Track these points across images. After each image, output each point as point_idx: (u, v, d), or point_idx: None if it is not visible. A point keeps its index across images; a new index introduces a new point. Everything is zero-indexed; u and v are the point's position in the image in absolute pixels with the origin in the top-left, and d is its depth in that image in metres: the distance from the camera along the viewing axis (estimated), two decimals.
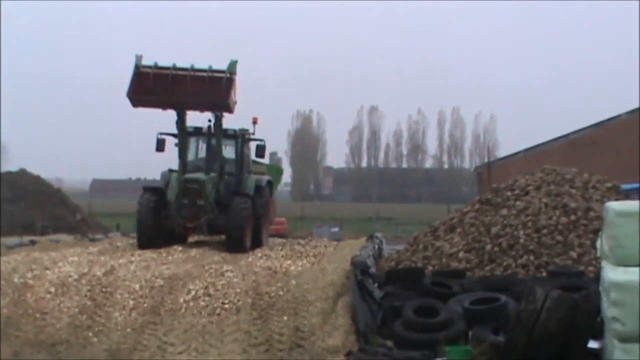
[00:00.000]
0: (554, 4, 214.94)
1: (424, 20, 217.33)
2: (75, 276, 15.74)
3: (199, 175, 21.40)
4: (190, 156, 22.51)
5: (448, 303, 12.52)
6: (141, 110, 20.63)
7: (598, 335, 10.01)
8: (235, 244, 20.76)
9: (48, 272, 16.06)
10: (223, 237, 21.83)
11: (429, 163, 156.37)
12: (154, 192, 21.63)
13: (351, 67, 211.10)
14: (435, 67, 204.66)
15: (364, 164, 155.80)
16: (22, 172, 46.69)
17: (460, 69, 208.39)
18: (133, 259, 17.58)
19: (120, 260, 17.19)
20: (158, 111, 20.57)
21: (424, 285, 13.37)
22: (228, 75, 19.90)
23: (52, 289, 15.18)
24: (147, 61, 19.93)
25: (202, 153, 23.04)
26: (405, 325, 11.84)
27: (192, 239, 22.89)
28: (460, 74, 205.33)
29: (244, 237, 21.02)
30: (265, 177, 24.26)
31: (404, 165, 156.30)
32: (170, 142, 22.14)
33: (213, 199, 21.41)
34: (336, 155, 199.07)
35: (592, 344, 10.08)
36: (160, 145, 22.56)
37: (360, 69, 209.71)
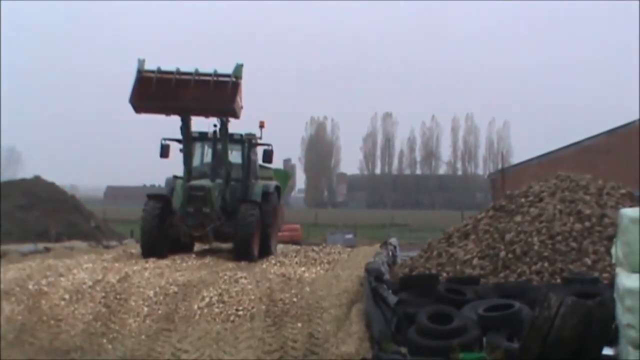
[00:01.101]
0: (570, 9, 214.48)
1: (438, 27, 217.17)
2: (90, 283, 15.77)
3: (205, 182, 20.84)
4: (196, 162, 22.09)
5: (462, 310, 12.50)
6: (154, 116, 20.14)
7: (613, 342, 9.98)
8: (242, 253, 20.19)
9: (62, 279, 16.10)
10: (230, 245, 21.33)
11: (442, 169, 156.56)
12: (159, 200, 20.99)
13: (365, 74, 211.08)
14: (449, 73, 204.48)
15: (377, 170, 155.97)
16: (37, 179, 46.83)
17: (474, 75, 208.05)
18: (147, 265, 17.60)
19: (135, 267, 17.22)
20: (164, 116, 20.14)
21: (438, 292, 13.35)
22: (234, 79, 19.46)
23: (67, 296, 15.22)
24: (151, 65, 19.53)
25: (208, 159, 22.49)
26: (420, 332, 11.83)
27: (198, 247, 22.36)
28: (474, 81, 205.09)
29: (252, 245, 20.42)
30: (273, 183, 23.56)
31: (418, 171, 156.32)
32: (175, 148, 21.59)
33: (219, 207, 20.87)
34: (350, 162, 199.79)
35: (607, 351, 10.05)
36: (164, 151, 21.86)
37: (374, 76, 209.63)
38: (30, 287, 15.59)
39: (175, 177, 21.92)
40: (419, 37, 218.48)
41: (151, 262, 18.18)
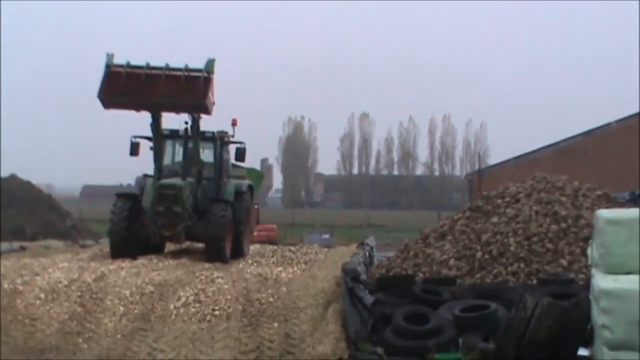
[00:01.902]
0: (548, 9, 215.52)
1: (416, 27, 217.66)
2: (66, 282, 15.70)
3: (176, 181, 20.29)
4: (166, 160, 21.34)
5: (438, 310, 12.55)
6: (130, 113, 19.64)
7: (588, 342, 10.05)
8: (214, 253, 19.66)
9: (38, 278, 16.03)
10: (202, 245, 20.95)
11: (419, 170, 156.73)
12: (128, 199, 20.43)
13: (342, 74, 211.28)
14: (427, 74, 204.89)
15: (354, 170, 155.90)
16: (12, 178, 46.59)
17: (451, 76, 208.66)
18: (123, 265, 17.54)
19: (111, 267, 17.16)
20: (136, 113, 19.62)
21: (415, 293, 13.40)
22: (205, 74, 18.93)
23: (42, 295, 15.14)
24: (120, 60, 19.03)
25: (179, 157, 21.87)
26: (396, 333, 11.86)
27: (169, 248, 21.91)
28: (452, 82, 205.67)
29: (224, 245, 19.89)
30: (246, 182, 22.99)
31: (395, 172, 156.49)
32: (146, 146, 21.04)
33: (190, 206, 20.34)
34: (327, 162, 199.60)
35: (582, 352, 10.11)
36: (134, 149, 21.32)
37: (351, 76, 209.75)
38: (6, 286, 15.50)
39: (146, 175, 21.41)
40: (396, 37, 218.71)
41: (127, 262, 18.11)
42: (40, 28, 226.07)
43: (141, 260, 18.46)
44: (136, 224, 19.98)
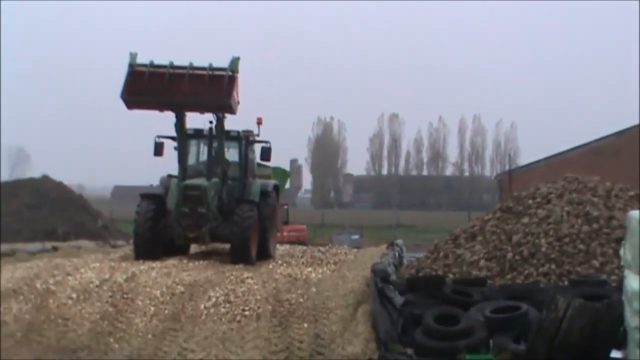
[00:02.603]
0: (579, 9, 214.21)
1: (446, 27, 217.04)
2: (97, 282, 15.79)
3: (200, 181, 19.99)
4: (191, 160, 21.14)
5: (469, 311, 12.50)
6: (159, 113, 19.36)
7: (621, 344, 9.97)
8: (240, 255, 19.38)
9: (70, 278, 16.13)
10: (226, 246, 20.75)
11: (449, 170, 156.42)
12: (153, 200, 20.20)
13: (372, 74, 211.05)
14: (457, 74, 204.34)
15: (384, 171, 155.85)
16: (45, 179, 47.01)
17: (482, 76, 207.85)
18: (154, 265, 17.60)
19: (142, 267, 17.23)
20: (163, 113, 19.36)
21: (445, 293, 13.36)
22: (230, 73, 18.54)
23: (74, 295, 15.24)
24: (144, 59, 18.76)
25: (204, 157, 21.50)
26: (426, 333, 11.83)
27: (194, 249, 21.73)
28: (482, 82, 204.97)
29: (249, 247, 19.60)
30: (272, 182, 22.60)
31: (425, 172, 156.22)
32: (170, 146, 20.71)
33: (215, 206, 20.02)
34: (357, 163, 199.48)
35: (615, 354, 10.04)
36: (158, 149, 21.07)
37: (381, 76, 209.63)
38: (38, 286, 15.63)
39: (170, 176, 21.17)
40: (427, 37, 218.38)
41: (158, 262, 18.15)
42: (60, 26, 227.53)
43: (171, 261, 18.51)
44: (160, 225, 19.81)
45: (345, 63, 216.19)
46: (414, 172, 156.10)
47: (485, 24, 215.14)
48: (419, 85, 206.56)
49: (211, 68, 18.61)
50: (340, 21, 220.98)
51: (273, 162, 25.64)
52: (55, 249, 21.78)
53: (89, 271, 16.71)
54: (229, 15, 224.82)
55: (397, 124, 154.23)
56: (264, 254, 20.56)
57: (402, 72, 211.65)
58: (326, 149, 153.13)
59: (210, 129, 20.45)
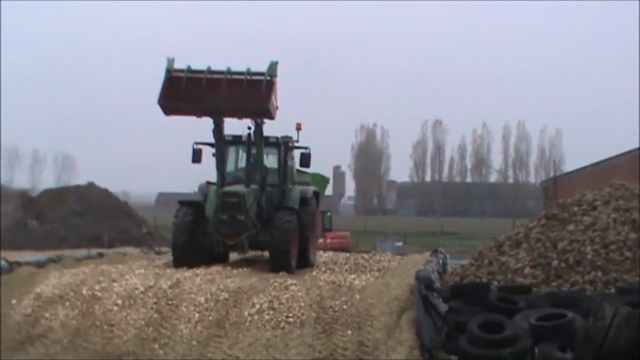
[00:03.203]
0: (624, 13, 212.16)
1: (490, 32, 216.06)
2: (142, 289, 15.90)
3: (239, 188, 19.59)
4: (230, 167, 20.75)
5: (514, 319, 12.43)
6: (203, 120, 19.01)
7: None
8: (279, 263, 19.04)
9: (115, 284, 16.26)
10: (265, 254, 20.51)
11: (493, 177, 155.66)
12: (191, 207, 19.90)
13: (415, 81, 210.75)
14: (501, 80, 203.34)
15: (427, 178, 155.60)
16: (90, 186, 47.52)
17: (526, 82, 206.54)
18: (198, 272, 17.65)
19: (186, 273, 17.30)
20: (202, 120, 18.97)
21: (489, 301, 13.29)
22: (268, 78, 18.12)
23: (119, 301, 15.38)
24: (181, 64, 18.42)
25: (242, 163, 21.06)
26: (470, 341, 11.78)
27: (233, 257, 21.39)
28: (526, 88, 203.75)
29: (289, 255, 19.22)
30: (311, 188, 22.04)
31: (468, 179, 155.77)
32: (208, 153, 20.31)
33: (254, 214, 19.63)
34: (400, 169, 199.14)
35: None
36: (196, 156, 20.80)
37: (424, 83, 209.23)
38: (84, 292, 15.79)
39: (209, 182, 20.80)
40: (470, 43, 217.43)
41: (202, 269, 18.19)
42: (106, 36, 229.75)
43: (215, 267, 18.55)
44: (199, 233, 19.58)
45: (388, 69, 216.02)
46: (457, 179, 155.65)
47: (530, 28, 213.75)
48: (462, 91, 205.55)
49: (249, 73, 18.28)
50: (382, 27, 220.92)
51: (314, 169, 25.60)
52: (100, 255, 21.94)
53: (134, 278, 16.82)
54: (268, 19, 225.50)
55: (440, 130, 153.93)
56: (304, 262, 20.28)
57: (445, 78, 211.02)
58: (369, 155, 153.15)
59: (249, 134, 20.12)
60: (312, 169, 23.22)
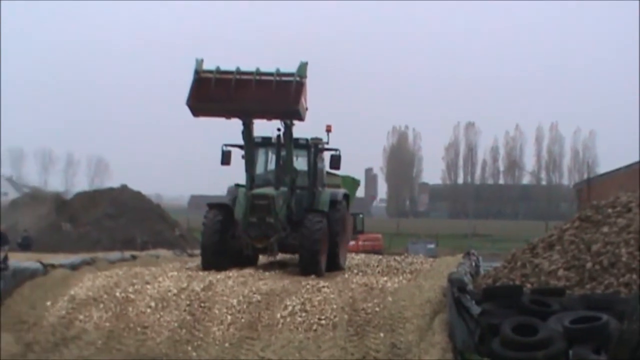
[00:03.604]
0: None
1: (522, 33, 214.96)
2: (175, 291, 15.96)
3: (268, 190, 19.47)
4: (259, 169, 20.54)
5: (547, 321, 12.36)
6: (235, 122, 18.94)
7: None
8: (309, 266, 18.79)
9: (148, 286, 16.34)
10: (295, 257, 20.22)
11: (526, 179, 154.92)
12: (220, 209, 19.67)
13: (447, 83, 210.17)
14: (533, 82, 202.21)
15: (460, 180, 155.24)
16: (123, 189, 47.86)
17: (559, 83, 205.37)
18: (231, 274, 17.69)
19: (218, 276, 17.34)
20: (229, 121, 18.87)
21: (523, 303, 13.22)
22: (297, 78, 17.98)
23: (153, 304, 15.45)
24: (209, 65, 18.33)
25: (272, 165, 20.88)
26: (504, 343, 11.73)
27: (262, 260, 21.10)
28: (559, 89, 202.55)
29: (319, 258, 18.96)
30: (341, 191, 21.83)
31: (501, 181, 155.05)
32: (237, 155, 20.19)
33: (284, 216, 19.52)
34: (432, 172, 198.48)
35: None
36: (225, 158, 20.42)
37: (457, 85, 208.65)
38: (118, 294, 15.87)
39: (237, 185, 20.62)
40: (502, 44, 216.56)
41: (235, 271, 18.23)
42: (146, 41, 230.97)
43: (248, 270, 18.60)
44: (228, 235, 19.41)
45: (420, 72, 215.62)
46: (490, 181, 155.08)
47: (564, 29, 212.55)
48: (495, 93, 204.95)
49: (278, 73, 18.16)
50: (414, 29, 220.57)
51: (346, 171, 25.48)
52: (133, 257, 22.03)
53: (167, 280, 16.89)
54: (301, 19, 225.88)
55: (473, 132, 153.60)
56: (334, 265, 20.06)
57: (477, 80, 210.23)
58: (401, 157, 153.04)
59: (279, 136, 19.94)
60: (343, 172, 23.10)
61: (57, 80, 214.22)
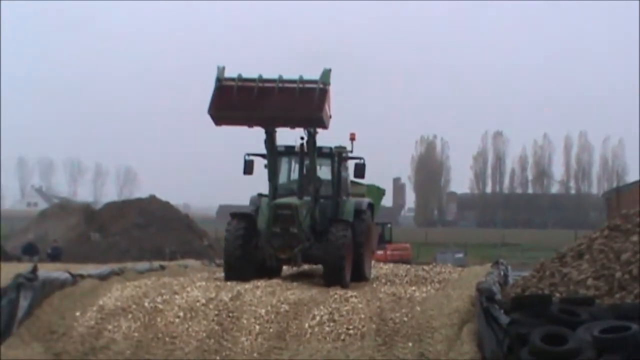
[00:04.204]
0: None
1: (548, 42, 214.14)
2: (203, 301, 15.98)
3: (292, 200, 19.15)
4: (282, 178, 20.18)
5: (577, 331, 12.29)
6: (252, 131, 18.63)
7: None
8: (333, 277, 18.43)
9: (177, 296, 16.37)
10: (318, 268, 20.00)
11: (554, 188, 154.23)
12: (243, 219, 19.30)
13: (476, 92, 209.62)
14: (562, 91, 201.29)
15: (488, 189, 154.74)
16: (152, 199, 48.11)
17: (587, 93, 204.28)
18: (259, 284, 17.68)
19: (247, 286, 17.33)
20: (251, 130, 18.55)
21: (552, 313, 13.14)
22: (321, 85, 17.60)
23: (181, 314, 15.48)
24: (231, 73, 17.97)
25: (295, 175, 20.44)
26: (533, 353, 11.68)
27: (285, 271, 20.87)
28: (588, 99, 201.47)
29: (344, 269, 18.59)
30: (366, 200, 21.41)
31: (530, 190, 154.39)
32: (260, 164, 19.91)
33: (308, 226, 19.13)
34: (460, 181, 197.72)
35: None
36: (247, 168, 20.13)
37: (484, 94, 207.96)
38: (146, 304, 15.92)
39: (260, 195, 20.35)
40: (529, 53, 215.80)
41: (263, 281, 18.21)
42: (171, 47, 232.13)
43: (276, 280, 18.61)
44: (251, 245, 19.03)
45: (448, 81, 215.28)
46: (518, 190, 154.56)
47: (591, 40, 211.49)
48: (523, 103, 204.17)
49: (301, 80, 17.81)
50: (440, 39, 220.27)
51: (374, 181, 25.39)
52: (162, 267, 22.09)
53: (196, 290, 16.92)
54: (326, 25, 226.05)
55: (501, 141, 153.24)
56: (359, 276, 19.68)
57: (505, 90, 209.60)
58: (429, 167, 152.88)
59: (302, 145, 19.51)
60: (369, 181, 22.89)
61: (86, 90, 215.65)
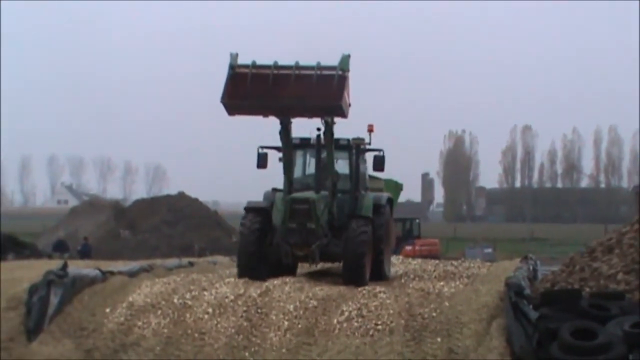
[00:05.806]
0: None
1: (577, 37, 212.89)
2: (232, 297, 16.03)
3: (308, 194, 18.30)
4: (297, 172, 19.29)
5: (607, 326, 12.22)
6: (266, 122, 17.67)
7: None
8: (353, 275, 17.78)
9: (206, 293, 16.43)
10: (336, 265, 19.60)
11: (584, 182, 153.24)
12: (258, 213, 18.59)
13: (505, 86, 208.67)
14: (591, 85, 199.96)
15: (517, 184, 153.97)
16: (181, 196, 48.30)
17: (617, 86, 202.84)
18: (287, 280, 17.64)
19: (275, 282, 17.34)
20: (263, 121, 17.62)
21: (581, 307, 13.07)
22: (340, 72, 16.56)
23: (210, 310, 15.54)
24: (245, 60, 16.94)
25: (311, 168, 19.60)
26: (562, 348, 11.62)
27: (302, 268, 20.17)
28: (618, 92, 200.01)
29: (364, 266, 17.93)
30: (385, 194, 20.37)
31: (559, 185, 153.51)
32: (274, 157, 19.12)
33: (325, 222, 18.35)
34: (489, 176, 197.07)
35: None
36: (261, 161, 19.35)
37: (513, 88, 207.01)
38: (176, 300, 16.00)
39: (275, 189, 19.47)
40: (559, 47, 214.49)
41: (291, 277, 18.16)
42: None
43: (304, 275, 18.60)
44: (266, 242, 18.41)
45: (477, 76, 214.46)
46: (547, 185, 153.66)
47: (617, 31, 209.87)
48: (552, 97, 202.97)
49: (319, 67, 16.78)
50: (467, 34, 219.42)
51: (403, 176, 25.12)
52: (191, 264, 22.17)
53: (224, 286, 16.95)
54: (354, 17, 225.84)
55: (530, 135, 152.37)
56: (378, 274, 18.91)
57: (535, 84, 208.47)
58: (458, 162, 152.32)
59: (318, 137, 18.73)
60: (396, 176, 22.43)
61: (115, 89, 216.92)
